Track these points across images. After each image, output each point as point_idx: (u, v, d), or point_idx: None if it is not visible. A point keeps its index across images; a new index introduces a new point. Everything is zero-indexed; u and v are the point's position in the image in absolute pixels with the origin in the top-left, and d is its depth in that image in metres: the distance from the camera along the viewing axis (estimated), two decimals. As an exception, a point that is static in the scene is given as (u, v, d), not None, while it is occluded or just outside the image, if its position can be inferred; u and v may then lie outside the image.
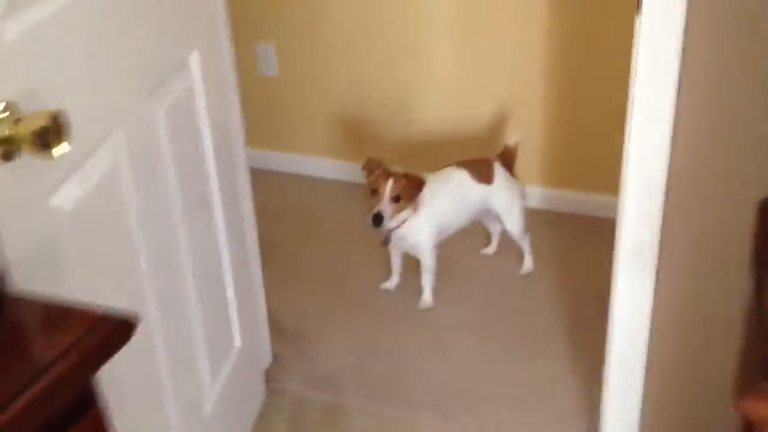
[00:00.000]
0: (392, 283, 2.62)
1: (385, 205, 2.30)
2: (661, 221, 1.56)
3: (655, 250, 1.58)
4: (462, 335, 2.40)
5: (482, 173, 2.48)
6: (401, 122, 3.06)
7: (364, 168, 2.37)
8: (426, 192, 2.38)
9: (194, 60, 1.62)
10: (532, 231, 2.63)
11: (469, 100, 2.94)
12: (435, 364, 2.31)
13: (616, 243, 1.62)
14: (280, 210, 3.06)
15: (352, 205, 3.09)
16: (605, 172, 2.78)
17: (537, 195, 2.94)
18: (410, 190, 2.33)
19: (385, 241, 2.46)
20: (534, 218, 2.75)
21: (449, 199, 2.47)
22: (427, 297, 2.52)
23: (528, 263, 2.65)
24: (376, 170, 2.34)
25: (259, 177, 3.25)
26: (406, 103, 3.02)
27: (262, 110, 3.23)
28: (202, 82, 1.65)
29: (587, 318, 2.42)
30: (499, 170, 2.51)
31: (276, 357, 2.29)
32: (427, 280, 2.52)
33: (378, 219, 2.29)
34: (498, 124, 2.92)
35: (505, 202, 2.52)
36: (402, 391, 2.22)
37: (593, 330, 2.31)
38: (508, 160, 2.56)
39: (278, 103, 3.22)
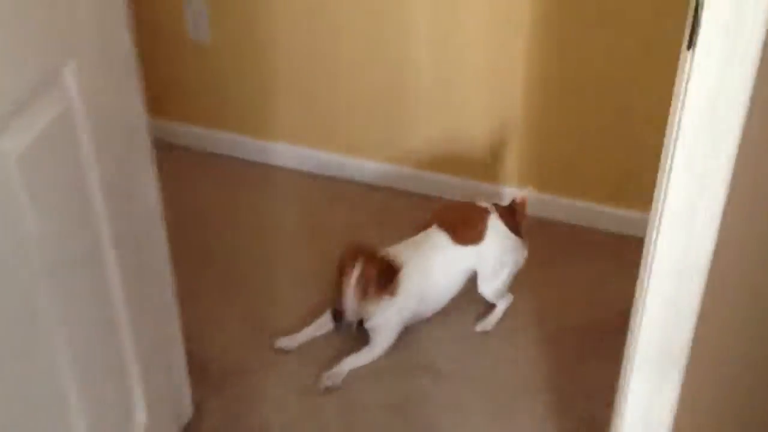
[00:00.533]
0: (295, 341, 2.06)
1: (351, 300, 1.89)
2: (696, 319, 1.18)
3: (686, 354, 1.20)
4: (427, 386, 2.00)
5: (468, 232, 2.02)
6: (365, 103, 2.61)
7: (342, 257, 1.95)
8: (403, 273, 1.96)
9: (71, 72, 1.16)
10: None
11: (448, 83, 2.50)
12: (396, 419, 1.92)
13: (632, 340, 1.24)
14: (213, 203, 2.62)
15: (298, 200, 2.67)
16: (594, 179, 2.47)
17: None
18: (381, 280, 1.91)
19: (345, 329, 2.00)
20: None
21: (430, 274, 2.01)
22: (339, 373, 1.97)
23: (490, 322, 2.12)
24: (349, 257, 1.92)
25: (187, 157, 2.86)
26: (370, 80, 2.56)
27: (196, 82, 2.77)
28: (82, 101, 1.19)
29: (578, 357, 2.07)
30: (493, 224, 2.05)
31: (198, 407, 1.89)
32: (356, 361, 2.00)
33: (339, 316, 1.91)
34: (479, 120, 2.51)
35: (491, 265, 2.05)
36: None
37: (586, 371, 2.00)
38: (511, 214, 2.09)
39: (212, 73, 2.74)
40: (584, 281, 2.31)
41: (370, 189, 2.67)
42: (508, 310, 2.16)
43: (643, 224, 2.28)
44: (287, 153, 2.77)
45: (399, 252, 2.00)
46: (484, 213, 2.06)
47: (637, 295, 1.22)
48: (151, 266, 1.55)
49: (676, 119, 1.07)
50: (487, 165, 2.54)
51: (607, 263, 2.37)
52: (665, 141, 1.11)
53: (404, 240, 2.06)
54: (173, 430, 1.75)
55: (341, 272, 1.91)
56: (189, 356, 1.82)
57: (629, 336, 1.25)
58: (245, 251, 2.42)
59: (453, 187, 2.59)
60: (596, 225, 2.49)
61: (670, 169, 1.10)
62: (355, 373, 2.00)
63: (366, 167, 2.70)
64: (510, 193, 2.55)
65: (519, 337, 2.13)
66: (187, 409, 1.84)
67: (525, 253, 2.12)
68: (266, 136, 2.78)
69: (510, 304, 2.15)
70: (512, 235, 2.07)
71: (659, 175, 1.14)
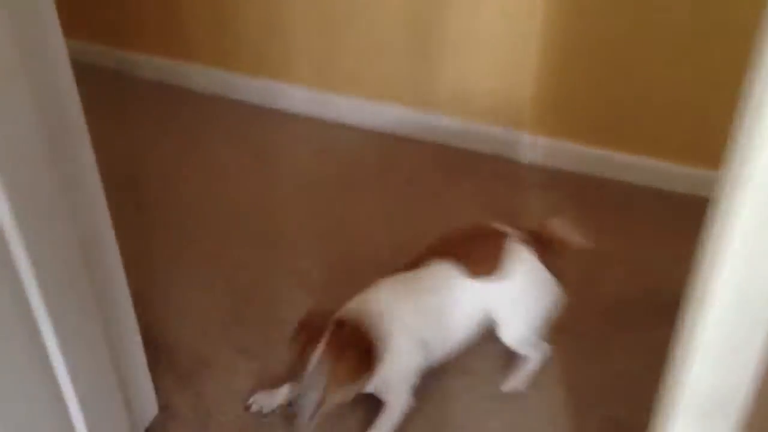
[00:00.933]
0: (274, 400, 1.62)
1: (311, 391, 1.41)
2: (759, 362, 0.89)
3: (742, 405, 0.92)
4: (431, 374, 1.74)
5: (480, 260, 1.56)
6: (375, 42, 2.31)
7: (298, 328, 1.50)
8: (399, 313, 1.52)
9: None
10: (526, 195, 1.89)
11: (467, 25, 2.19)
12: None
13: (673, 383, 0.96)
14: (186, 153, 2.33)
15: (296, 149, 2.39)
16: (612, 126, 2.22)
17: (530, 145, 2.31)
18: (357, 369, 1.44)
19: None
20: (529, 179, 2.08)
21: (434, 319, 1.56)
22: None
23: (521, 379, 1.69)
24: (308, 328, 1.46)
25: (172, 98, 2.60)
26: (383, 18, 2.25)
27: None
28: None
29: (601, 345, 1.79)
30: (514, 250, 1.57)
31: (164, 405, 1.65)
32: (383, 428, 1.55)
33: (296, 410, 1.42)
34: (497, 65, 2.20)
35: (512, 304, 1.59)
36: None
37: (611, 362, 1.73)
38: (541, 243, 1.60)
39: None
40: (609, 248, 2.02)
41: (376, 135, 2.39)
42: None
43: (665, 175, 2.13)
44: (282, 93, 2.48)
45: (388, 295, 1.56)
46: (500, 236, 1.59)
47: (680, 331, 0.94)
48: (86, 248, 1.28)
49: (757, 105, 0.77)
50: (504, 111, 2.28)
51: (631, 224, 2.11)
52: (732, 133, 0.81)
53: (394, 277, 1.60)
54: (131, 436, 1.52)
55: (299, 353, 1.45)
56: (153, 347, 1.59)
57: (669, 376, 0.98)
58: (227, 216, 2.16)
59: (467, 133, 2.34)
60: (620, 177, 2.26)
61: (738, 179, 0.80)
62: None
63: (373, 111, 2.42)
64: (526, 142, 2.27)
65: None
66: (149, 409, 1.61)
67: (560, 297, 1.62)
68: (266, 74, 2.49)
69: (548, 357, 1.71)
70: (541, 268, 1.59)
71: (720, 182, 0.85)
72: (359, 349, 1.43)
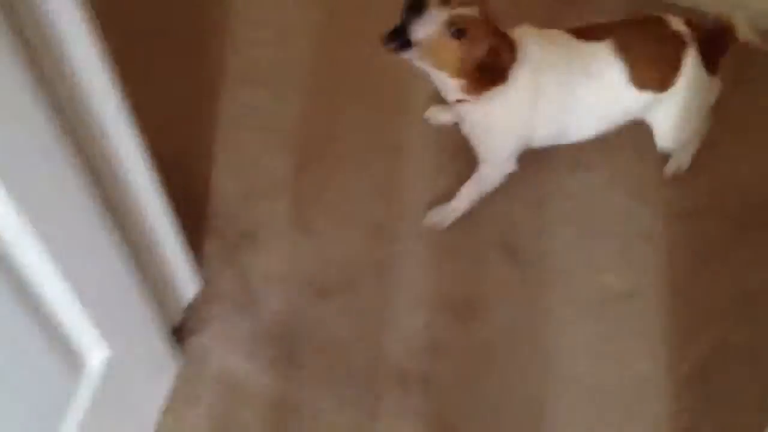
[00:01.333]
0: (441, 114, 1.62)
1: (431, 17, 1.22)
2: None
3: None
4: (503, 270, 1.47)
5: (653, 73, 1.35)
6: None
7: None
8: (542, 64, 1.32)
9: None
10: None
11: None
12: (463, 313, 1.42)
13: None
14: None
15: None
16: None
17: None
18: (488, 68, 1.27)
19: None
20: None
21: (565, 102, 1.36)
22: (444, 214, 1.51)
23: (681, 161, 1.56)
24: None
25: None
26: None
27: None
28: None
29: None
30: (689, 63, 1.35)
31: (209, 281, 1.42)
32: (468, 194, 1.49)
33: (397, 34, 1.23)
34: None
35: (672, 117, 1.41)
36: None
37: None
38: (714, 42, 1.38)
39: None
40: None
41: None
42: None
43: None
44: None
45: (543, 39, 1.36)
46: (680, 46, 1.36)
47: None
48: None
49: None
50: None
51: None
52: None
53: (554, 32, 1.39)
54: (160, 335, 1.28)
55: None
56: (197, 214, 1.39)
57: None
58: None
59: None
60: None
61: None
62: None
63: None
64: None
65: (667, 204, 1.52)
66: (189, 286, 1.39)
67: (717, 92, 1.45)
68: None
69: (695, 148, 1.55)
70: (706, 76, 1.39)
71: None
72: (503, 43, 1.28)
